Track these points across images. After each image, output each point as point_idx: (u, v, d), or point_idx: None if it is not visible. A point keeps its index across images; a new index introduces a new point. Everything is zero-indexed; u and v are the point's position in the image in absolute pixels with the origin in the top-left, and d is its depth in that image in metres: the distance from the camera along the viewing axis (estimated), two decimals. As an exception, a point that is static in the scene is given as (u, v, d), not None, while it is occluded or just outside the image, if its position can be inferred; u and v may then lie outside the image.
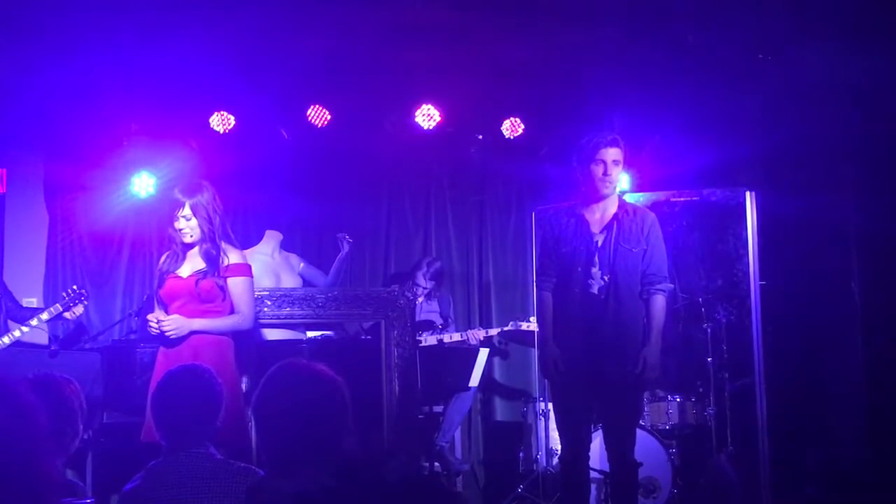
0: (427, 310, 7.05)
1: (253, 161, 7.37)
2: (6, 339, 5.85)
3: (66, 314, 6.02)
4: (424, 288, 7.09)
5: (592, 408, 4.79)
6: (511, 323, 6.99)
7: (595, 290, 4.64)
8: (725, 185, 6.65)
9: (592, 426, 5.10)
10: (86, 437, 3.67)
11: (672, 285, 4.94)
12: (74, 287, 6.19)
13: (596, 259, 4.65)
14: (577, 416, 4.71)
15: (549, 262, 4.79)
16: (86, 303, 6.20)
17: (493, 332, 7.06)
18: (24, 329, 5.97)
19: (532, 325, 6.82)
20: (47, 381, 3.58)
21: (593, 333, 4.62)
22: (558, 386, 4.75)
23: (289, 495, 2.35)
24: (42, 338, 6.63)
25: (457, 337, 6.94)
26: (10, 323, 6.09)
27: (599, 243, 4.67)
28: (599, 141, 4.67)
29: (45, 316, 6.03)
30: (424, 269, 7.14)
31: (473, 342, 6.91)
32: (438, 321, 7.07)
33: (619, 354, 4.60)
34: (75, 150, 7.23)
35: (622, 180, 4.75)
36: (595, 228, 4.71)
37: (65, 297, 6.10)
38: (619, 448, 4.66)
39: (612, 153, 4.65)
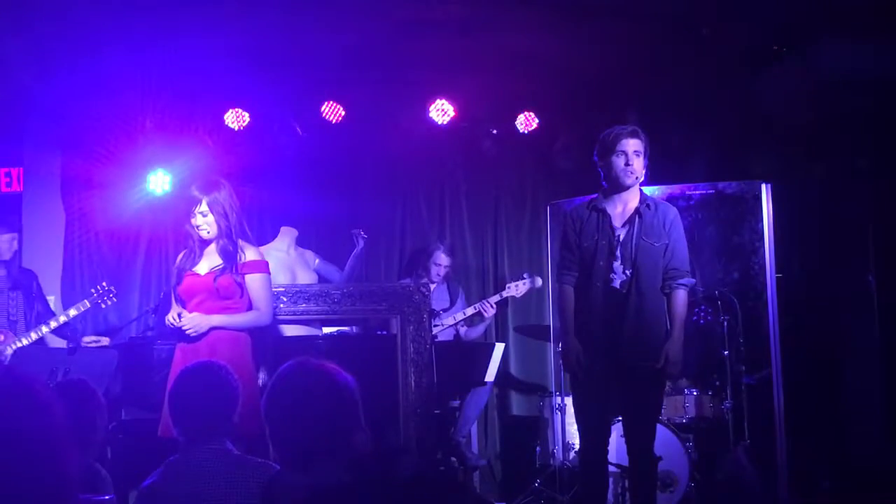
0: (436, 297, 7.02)
1: (268, 158, 7.39)
2: (24, 340, 5.89)
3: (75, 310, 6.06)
4: (446, 267, 7.08)
5: (612, 401, 4.78)
6: (515, 284, 6.96)
7: (617, 284, 4.63)
8: (741, 178, 6.62)
9: (611, 420, 5.10)
10: (100, 429, 3.70)
11: (694, 280, 4.93)
12: (104, 283, 6.23)
13: (618, 253, 4.65)
14: (597, 410, 4.71)
15: (571, 256, 4.78)
16: (115, 300, 6.27)
17: (507, 293, 6.98)
18: (53, 324, 5.99)
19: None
20: (72, 388, 3.63)
21: (615, 327, 4.61)
22: (579, 380, 4.74)
23: (303, 490, 2.36)
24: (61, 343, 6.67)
25: (470, 311, 6.94)
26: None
27: (621, 237, 4.67)
28: (620, 132, 4.68)
29: (73, 312, 6.07)
30: (441, 247, 7.12)
31: (489, 313, 6.90)
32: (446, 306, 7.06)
33: (640, 348, 4.60)
34: (91, 148, 7.25)
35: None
36: (617, 222, 4.70)
37: (93, 294, 6.16)
38: (640, 442, 4.65)
39: (633, 143, 4.65)
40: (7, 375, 1.82)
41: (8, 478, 1.68)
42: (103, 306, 6.29)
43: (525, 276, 7.02)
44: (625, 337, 4.60)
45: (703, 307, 6.41)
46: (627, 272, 4.63)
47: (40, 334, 5.96)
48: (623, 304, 4.62)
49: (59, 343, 6.22)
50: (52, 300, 6.74)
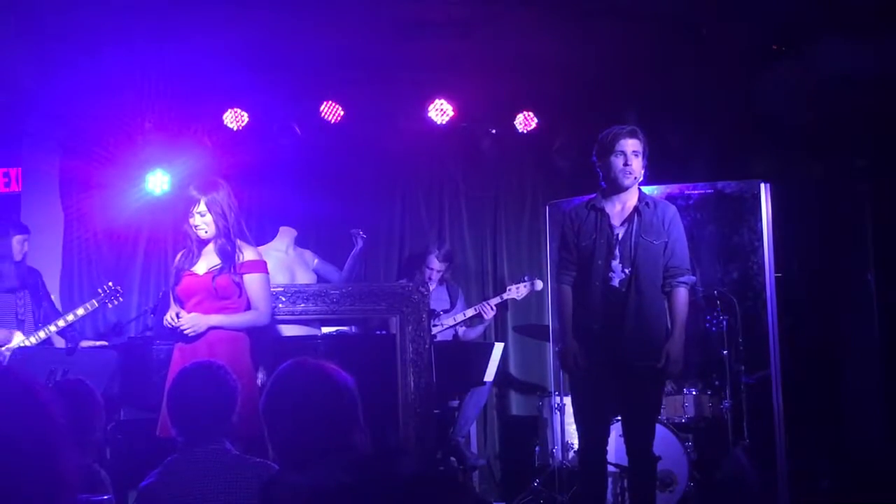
0: (436, 298, 7.01)
1: (267, 158, 7.38)
2: (32, 339, 5.91)
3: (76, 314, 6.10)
4: (438, 271, 7.07)
5: (611, 401, 4.77)
6: (516, 286, 6.96)
7: (616, 282, 4.63)
8: (740, 177, 6.62)
9: (611, 420, 5.09)
10: (97, 430, 3.70)
11: (694, 278, 4.93)
12: (111, 283, 6.27)
13: (616, 252, 4.65)
14: (596, 409, 4.71)
15: (569, 255, 4.78)
16: (121, 299, 6.31)
17: (508, 295, 6.96)
18: (61, 324, 6.02)
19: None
20: (70, 388, 3.63)
21: (614, 326, 4.61)
22: (578, 380, 4.74)
23: (302, 490, 2.36)
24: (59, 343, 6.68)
25: (470, 312, 6.93)
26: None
27: (620, 236, 4.67)
28: (619, 132, 4.68)
29: (80, 311, 6.10)
30: (436, 251, 7.13)
31: (488, 315, 6.90)
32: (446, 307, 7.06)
33: (641, 347, 4.60)
34: (90, 148, 7.26)
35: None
36: (615, 221, 4.70)
37: (101, 294, 6.20)
38: (639, 442, 4.65)
39: (632, 144, 4.66)
40: (6, 375, 1.82)
41: (7, 478, 1.68)
42: (110, 306, 6.34)
43: (525, 278, 7.02)
44: (625, 336, 4.59)
45: (715, 312, 6.39)
46: (626, 270, 4.63)
47: (48, 333, 5.99)
48: (623, 302, 4.62)
49: (62, 342, 6.25)
50: (53, 300, 6.74)
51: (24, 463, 1.70)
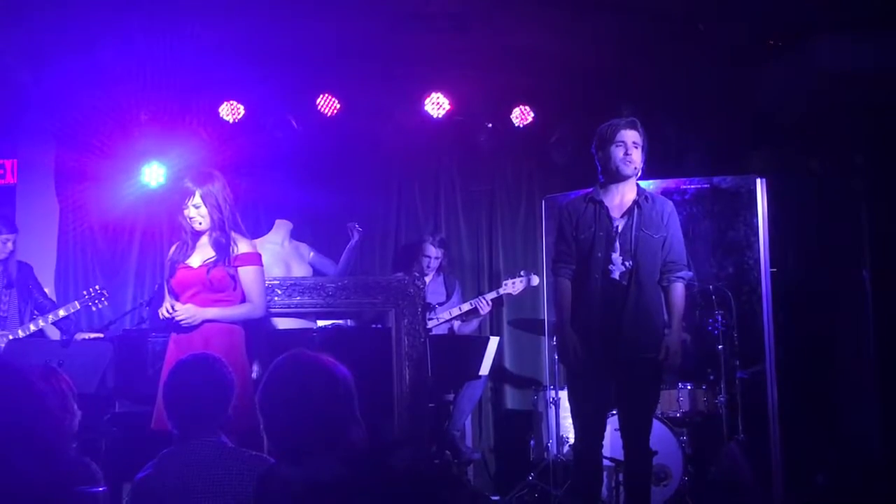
0: (432, 290, 7.01)
1: (262, 150, 7.37)
2: (20, 333, 5.92)
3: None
4: (436, 258, 7.07)
5: (608, 395, 4.76)
6: (512, 281, 6.95)
7: (616, 275, 4.62)
8: (736, 172, 6.62)
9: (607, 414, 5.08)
10: (79, 415, 3.67)
11: (691, 273, 4.93)
12: (97, 287, 6.26)
13: (617, 244, 4.64)
14: (594, 403, 4.69)
15: (567, 248, 4.77)
16: (106, 303, 6.29)
17: (504, 290, 6.98)
18: (42, 323, 6.04)
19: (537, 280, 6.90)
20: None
21: (614, 319, 4.60)
22: (575, 373, 4.74)
23: (298, 483, 2.36)
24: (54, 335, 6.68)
25: (466, 307, 6.93)
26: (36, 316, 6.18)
27: (620, 228, 4.66)
28: (619, 123, 4.69)
29: (62, 312, 6.10)
30: (430, 238, 7.13)
31: (485, 310, 6.90)
32: (442, 300, 7.06)
33: (640, 340, 4.59)
34: (86, 141, 7.24)
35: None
36: (615, 213, 4.70)
37: (85, 296, 6.19)
38: (636, 436, 4.64)
39: (632, 135, 4.66)
40: (3, 368, 1.83)
41: (7, 468, 1.68)
42: (94, 308, 6.32)
43: (522, 273, 7.01)
44: (624, 329, 4.58)
45: (717, 314, 6.39)
46: (627, 263, 4.62)
47: (29, 331, 5.99)
48: (623, 295, 4.60)
49: (58, 334, 6.25)
50: (48, 292, 6.74)
51: (23, 453, 1.70)
